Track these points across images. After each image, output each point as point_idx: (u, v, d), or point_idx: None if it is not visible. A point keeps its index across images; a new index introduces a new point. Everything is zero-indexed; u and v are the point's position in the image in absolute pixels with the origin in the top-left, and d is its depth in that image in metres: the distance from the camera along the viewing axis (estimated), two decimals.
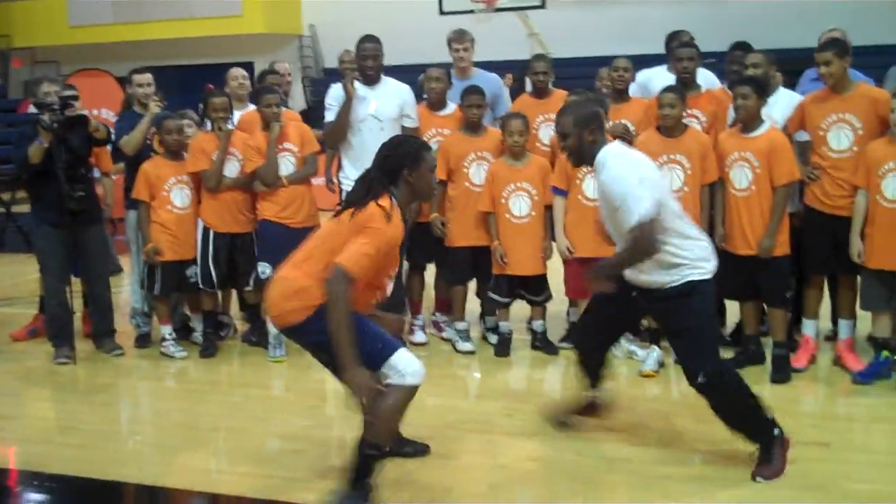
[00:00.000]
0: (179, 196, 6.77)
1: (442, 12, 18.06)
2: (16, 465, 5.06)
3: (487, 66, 7.49)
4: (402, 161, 4.25)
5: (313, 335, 4.13)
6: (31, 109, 8.11)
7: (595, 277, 4.66)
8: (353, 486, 4.05)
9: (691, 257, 4.54)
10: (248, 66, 9.12)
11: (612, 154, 4.56)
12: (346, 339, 3.93)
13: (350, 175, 6.62)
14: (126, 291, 7.91)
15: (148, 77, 7.21)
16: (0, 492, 4.81)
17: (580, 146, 4.59)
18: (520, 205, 6.46)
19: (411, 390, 4.11)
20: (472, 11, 17.54)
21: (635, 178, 4.44)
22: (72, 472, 4.88)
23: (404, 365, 4.10)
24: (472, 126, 6.67)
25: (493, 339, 6.80)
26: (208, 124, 6.89)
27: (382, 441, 4.09)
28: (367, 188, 4.21)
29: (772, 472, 4.47)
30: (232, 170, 6.75)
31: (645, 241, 4.39)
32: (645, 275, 4.58)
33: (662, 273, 4.53)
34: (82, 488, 4.77)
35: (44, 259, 6.85)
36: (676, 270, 4.52)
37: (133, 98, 7.29)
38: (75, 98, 6.66)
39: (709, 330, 4.67)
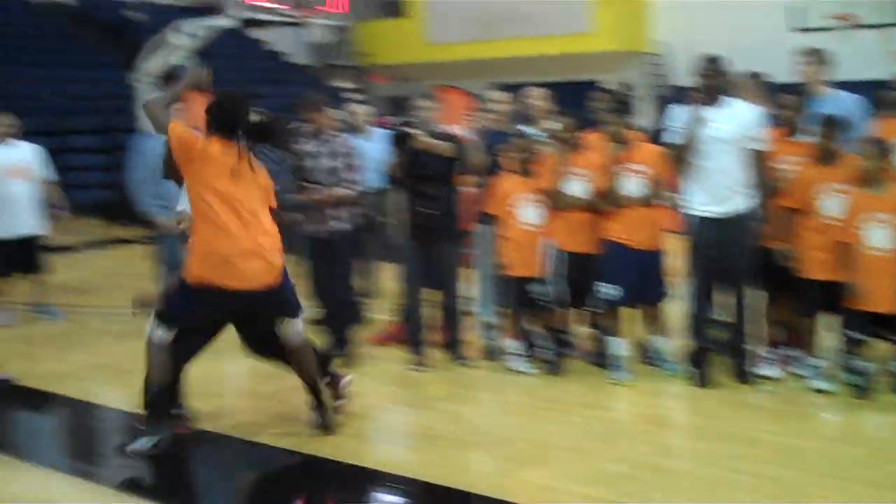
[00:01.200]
0: (528, 212, 6.94)
1: (796, 29, 17.34)
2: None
3: (846, 85, 7.13)
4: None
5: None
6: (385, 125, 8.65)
7: None
8: (150, 420, 5.36)
9: None
10: (592, 85, 9.21)
11: None
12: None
13: (694, 198, 6.47)
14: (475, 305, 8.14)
15: (501, 95, 7.48)
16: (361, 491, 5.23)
17: None
18: (880, 236, 6.09)
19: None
20: (828, 28, 16.72)
21: None
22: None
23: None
24: (819, 155, 6.40)
25: (852, 378, 6.24)
26: (553, 144, 7.02)
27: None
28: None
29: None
30: (581, 189, 6.84)
31: None
32: None
33: None
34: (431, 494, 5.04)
35: (406, 271, 7.25)
36: None
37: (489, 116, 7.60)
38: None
39: None
